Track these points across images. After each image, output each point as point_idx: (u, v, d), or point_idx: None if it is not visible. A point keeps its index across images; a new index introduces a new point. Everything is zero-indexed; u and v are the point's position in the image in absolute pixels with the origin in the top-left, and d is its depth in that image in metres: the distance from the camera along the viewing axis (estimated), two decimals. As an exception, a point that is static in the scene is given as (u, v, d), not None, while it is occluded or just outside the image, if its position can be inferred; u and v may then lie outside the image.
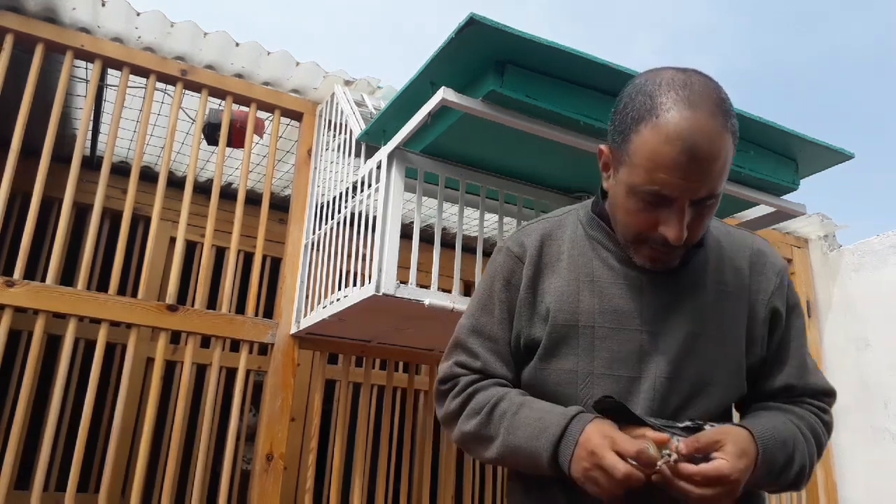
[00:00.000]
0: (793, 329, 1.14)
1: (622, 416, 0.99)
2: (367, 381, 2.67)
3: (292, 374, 2.45)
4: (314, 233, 2.50)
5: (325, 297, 2.26)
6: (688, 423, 1.01)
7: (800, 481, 1.06)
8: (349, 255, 2.14)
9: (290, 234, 2.58)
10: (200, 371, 3.05)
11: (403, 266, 1.89)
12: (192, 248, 3.11)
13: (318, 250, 2.42)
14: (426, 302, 1.89)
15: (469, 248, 2.68)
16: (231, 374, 3.29)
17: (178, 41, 2.44)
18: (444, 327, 2.25)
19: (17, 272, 2.13)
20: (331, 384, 3.61)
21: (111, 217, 3.21)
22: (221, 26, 2.45)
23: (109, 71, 2.51)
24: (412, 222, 2.13)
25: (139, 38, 2.42)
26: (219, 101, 2.60)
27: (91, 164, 3.01)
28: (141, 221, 3.26)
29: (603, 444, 0.93)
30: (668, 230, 0.99)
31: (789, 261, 3.77)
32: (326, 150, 2.57)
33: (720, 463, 0.93)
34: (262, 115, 2.69)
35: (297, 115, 2.70)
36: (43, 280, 2.20)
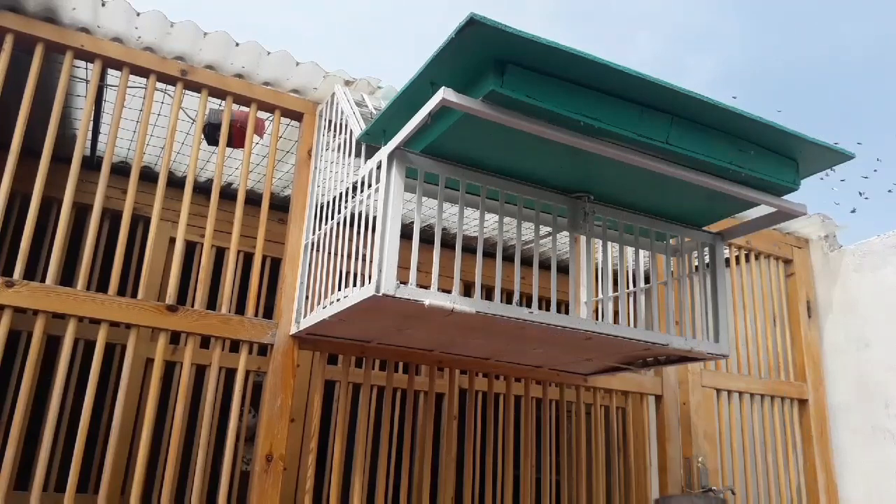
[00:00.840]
0: None
1: None
2: (366, 381, 2.67)
3: (292, 375, 2.45)
4: (314, 233, 2.50)
5: (325, 297, 2.26)
6: None
7: None
8: (349, 256, 2.14)
9: (290, 234, 2.58)
10: (200, 371, 3.05)
11: (403, 266, 1.89)
12: (191, 249, 3.11)
13: (318, 250, 2.42)
14: (426, 302, 1.88)
15: (469, 248, 2.68)
16: (231, 374, 3.29)
17: (178, 41, 2.44)
18: (444, 327, 2.26)
19: (17, 272, 2.13)
20: (330, 385, 3.61)
21: (111, 217, 3.21)
22: (221, 26, 2.45)
23: (109, 71, 2.51)
24: (412, 222, 2.13)
25: (139, 38, 2.42)
26: (219, 101, 2.60)
27: (91, 164, 3.01)
28: (141, 221, 3.26)
29: None
30: None
31: (790, 261, 3.77)
32: (326, 150, 2.57)
33: None
34: (263, 115, 2.69)
35: (297, 116, 2.70)
36: (43, 280, 2.19)
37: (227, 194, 2.98)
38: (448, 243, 3.28)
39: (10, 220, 2.96)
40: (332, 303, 2.18)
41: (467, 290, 3.74)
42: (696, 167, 1.95)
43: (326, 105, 2.64)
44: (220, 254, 3.37)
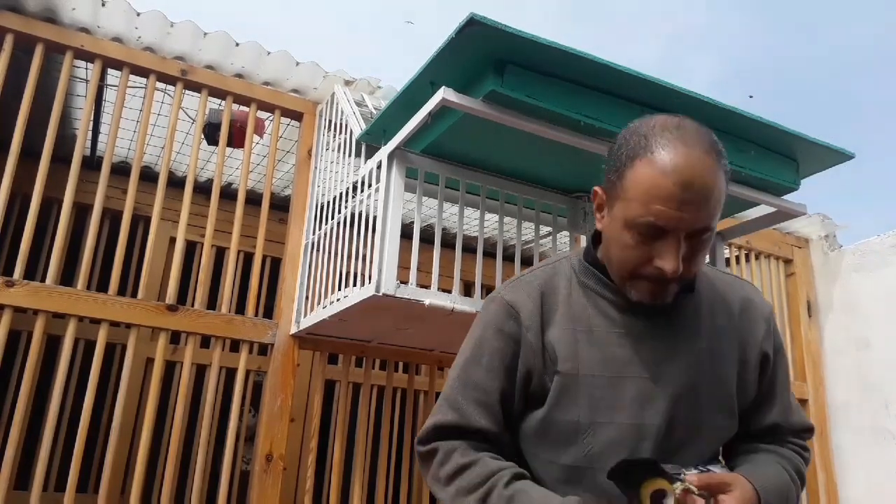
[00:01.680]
0: (779, 371, 1.20)
1: (637, 467, 0.99)
2: (366, 381, 2.67)
3: (292, 375, 2.45)
4: (314, 233, 2.50)
5: (325, 297, 2.26)
6: (699, 469, 1.05)
7: None
8: (349, 256, 2.14)
9: (290, 234, 2.58)
10: (200, 371, 3.05)
11: (403, 266, 1.89)
12: (192, 248, 3.10)
13: (318, 250, 2.42)
14: (426, 302, 1.89)
15: (469, 248, 2.68)
16: (231, 374, 3.28)
17: (178, 41, 2.44)
18: (444, 327, 2.25)
19: (17, 272, 2.13)
20: (331, 384, 3.61)
21: (111, 217, 3.21)
22: (221, 26, 2.45)
23: (109, 71, 2.51)
24: (412, 222, 2.13)
25: (139, 38, 2.42)
26: (219, 101, 2.60)
27: (91, 164, 3.01)
28: (141, 221, 3.26)
29: None
30: (663, 262, 0.99)
31: (790, 261, 3.77)
32: (326, 150, 2.57)
33: (730, 502, 0.97)
34: (263, 115, 2.69)
35: (297, 115, 2.70)
36: (43, 280, 2.20)
37: (228, 194, 2.98)
38: (448, 243, 3.28)
39: (10, 221, 2.95)
40: (332, 303, 2.19)
41: (467, 290, 3.74)
42: (696, 167, 1.94)
43: (326, 105, 2.64)
44: (220, 254, 3.37)
